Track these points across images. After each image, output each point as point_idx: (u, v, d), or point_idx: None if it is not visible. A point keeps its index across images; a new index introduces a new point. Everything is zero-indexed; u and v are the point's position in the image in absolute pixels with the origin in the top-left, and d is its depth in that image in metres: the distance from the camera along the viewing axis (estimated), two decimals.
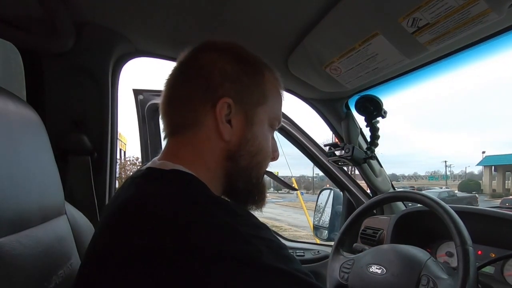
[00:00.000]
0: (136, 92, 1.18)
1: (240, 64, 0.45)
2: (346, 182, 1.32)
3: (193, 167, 0.42)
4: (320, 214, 1.40)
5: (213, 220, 0.34)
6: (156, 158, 0.45)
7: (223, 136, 0.43)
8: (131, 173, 0.49)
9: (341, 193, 1.37)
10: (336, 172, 1.32)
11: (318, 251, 1.27)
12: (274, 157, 0.51)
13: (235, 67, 0.45)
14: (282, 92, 0.51)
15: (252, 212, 0.41)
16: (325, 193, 1.42)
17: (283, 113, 0.54)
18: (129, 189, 0.40)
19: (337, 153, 1.09)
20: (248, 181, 0.47)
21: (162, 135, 0.48)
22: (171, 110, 0.46)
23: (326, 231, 1.33)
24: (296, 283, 0.33)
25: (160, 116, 0.48)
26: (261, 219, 0.40)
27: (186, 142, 0.44)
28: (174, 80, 0.47)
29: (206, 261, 0.31)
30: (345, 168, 1.32)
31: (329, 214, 1.34)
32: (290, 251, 1.21)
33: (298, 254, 1.25)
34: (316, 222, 1.41)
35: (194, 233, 0.32)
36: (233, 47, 0.47)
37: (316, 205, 1.43)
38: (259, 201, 0.49)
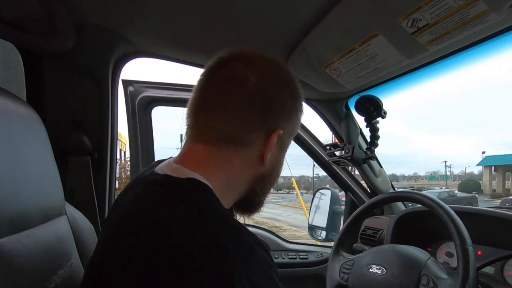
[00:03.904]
0: (126, 83, 1.05)
1: (294, 100, 0.47)
2: (350, 183, 1.31)
3: (212, 177, 0.41)
4: (317, 214, 1.38)
5: (216, 246, 0.33)
6: (172, 160, 0.44)
7: (265, 162, 0.44)
8: (140, 174, 0.48)
9: (338, 193, 1.36)
10: (340, 173, 1.31)
11: (321, 253, 1.25)
12: None
13: (290, 102, 0.46)
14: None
15: (257, 243, 0.38)
16: (322, 192, 1.40)
17: None
18: (145, 194, 0.39)
19: (337, 153, 1.09)
20: (264, 195, 0.50)
21: (183, 136, 0.46)
22: (216, 116, 0.43)
23: (322, 231, 1.30)
24: None
25: (189, 113, 0.45)
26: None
27: (221, 156, 0.43)
28: (227, 90, 0.43)
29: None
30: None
31: (326, 214, 1.33)
32: (293, 253, 1.22)
33: (301, 256, 1.23)
34: (311, 222, 1.37)
35: (196, 260, 0.32)
36: (292, 79, 0.47)
37: (312, 204, 1.39)
38: (258, 208, 0.52)
